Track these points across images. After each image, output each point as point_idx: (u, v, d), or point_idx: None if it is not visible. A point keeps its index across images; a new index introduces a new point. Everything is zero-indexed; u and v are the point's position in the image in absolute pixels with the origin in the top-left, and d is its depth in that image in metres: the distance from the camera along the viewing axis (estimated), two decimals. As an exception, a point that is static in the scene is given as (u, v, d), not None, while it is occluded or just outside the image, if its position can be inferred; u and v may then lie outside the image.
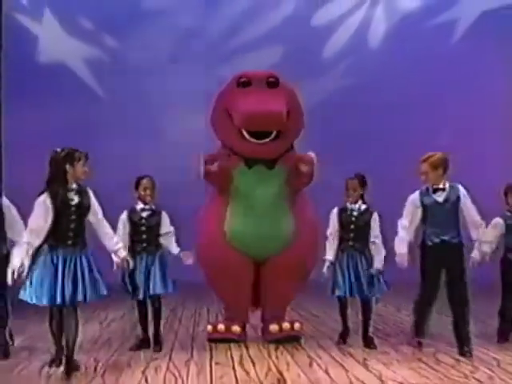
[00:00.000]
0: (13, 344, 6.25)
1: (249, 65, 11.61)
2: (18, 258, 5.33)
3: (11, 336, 6.26)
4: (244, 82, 6.54)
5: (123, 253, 5.79)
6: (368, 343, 6.37)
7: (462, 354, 5.95)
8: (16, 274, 5.27)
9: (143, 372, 5.24)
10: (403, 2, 13.21)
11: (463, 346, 6.02)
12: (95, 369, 5.37)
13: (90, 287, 5.38)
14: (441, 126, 12.03)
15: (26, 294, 5.33)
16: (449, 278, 6.18)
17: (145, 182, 6.35)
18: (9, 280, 5.30)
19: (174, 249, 6.34)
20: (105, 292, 5.48)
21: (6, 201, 6.09)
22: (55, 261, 5.39)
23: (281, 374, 5.16)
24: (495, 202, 6.72)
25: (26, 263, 5.29)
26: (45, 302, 5.33)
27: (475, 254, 6.39)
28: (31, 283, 5.33)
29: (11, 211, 6.06)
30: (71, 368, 5.37)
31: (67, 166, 5.45)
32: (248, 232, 6.43)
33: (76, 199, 5.49)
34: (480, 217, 6.24)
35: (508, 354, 5.85)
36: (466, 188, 6.26)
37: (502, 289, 6.59)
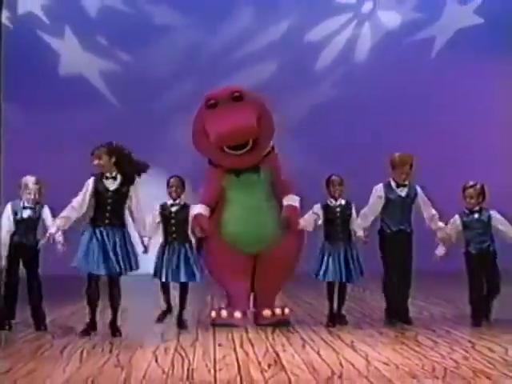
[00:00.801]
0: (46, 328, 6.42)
1: (250, 76, 11.71)
2: (55, 227, 6.04)
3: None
4: (211, 104, 6.49)
5: (143, 247, 6.35)
6: (340, 320, 6.56)
7: (401, 320, 6.48)
8: (51, 239, 6.04)
9: (154, 352, 5.23)
10: (386, 21, 13.22)
11: (404, 313, 6.55)
12: (111, 350, 5.36)
13: (124, 261, 6.02)
14: (418, 130, 12.04)
15: (78, 264, 5.99)
16: (401, 262, 6.54)
17: (172, 180, 6.64)
18: (43, 240, 6.16)
19: None
20: (136, 267, 6.11)
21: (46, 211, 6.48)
22: (98, 236, 6.01)
23: (277, 354, 5.16)
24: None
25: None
26: (93, 271, 5.98)
27: (439, 251, 6.69)
28: (81, 255, 5.98)
29: (48, 218, 6.41)
30: (115, 329, 6.07)
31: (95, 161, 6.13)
32: (241, 232, 6.48)
33: (113, 187, 6.09)
34: (433, 209, 6.64)
35: (482, 337, 5.85)
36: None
37: (468, 278, 6.65)
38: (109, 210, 6.05)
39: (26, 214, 6.45)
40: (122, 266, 6.02)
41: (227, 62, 12.84)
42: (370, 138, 11.80)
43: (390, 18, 13.19)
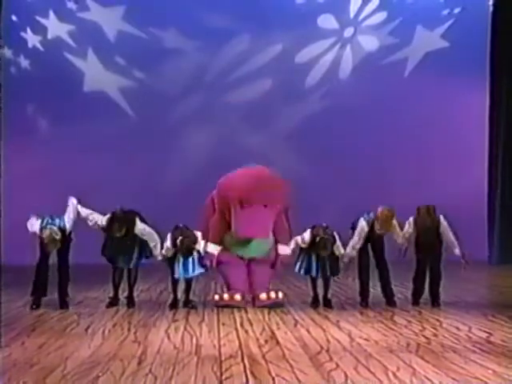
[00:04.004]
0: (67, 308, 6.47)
1: (248, 92, 11.75)
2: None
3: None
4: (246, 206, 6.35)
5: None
6: (327, 304, 6.54)
7: (389, 304, 6.53)
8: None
9: (166, 331, 5.24)
10: (365, 44, 13.19)
11: (390, 298, 6.60)
12: (129, 328, 5.36)
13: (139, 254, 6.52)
14: (392, 135, 12.06)
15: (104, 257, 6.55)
16: (378, 253, 6.66)
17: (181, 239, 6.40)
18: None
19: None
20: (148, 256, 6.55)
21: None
22: (115, 238, 6.39)
23: (272, 332, 5.16)
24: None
25: None
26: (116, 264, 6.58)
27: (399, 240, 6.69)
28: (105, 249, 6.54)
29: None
30: (132, 302, 6.57)
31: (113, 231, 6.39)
32: (239, 247, 6.59)
33: (119, 234, 6.36)
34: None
35: (448, 317, 5.87)
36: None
37: (416, 262, 6.75)
38: (121, 240, 6.43)
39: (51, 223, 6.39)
40: (130, 262, 6.55)
41: (229, 79, 12.82)
42: (353, 143, 11.85)
43: (369, 42, 13.17)
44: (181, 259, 6.40)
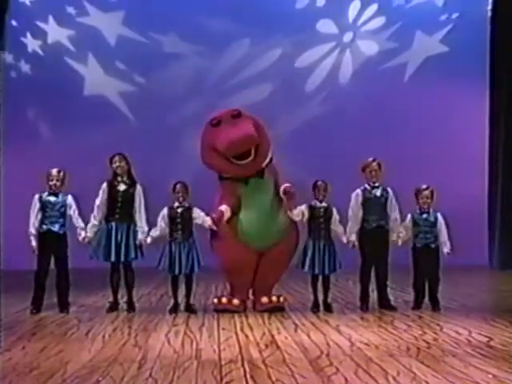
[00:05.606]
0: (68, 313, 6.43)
1: (246, 98, 11.71)
2: (92, 233, 6.45)
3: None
4: (215, 123, 6.40)
5: (139, 236, 6.48)
6: (327, 308, 6.53)
7: (384, 307, 6.52)
8: (83, 235, 6.43)
9: (166, 335, 5.24)
10: (365, 49, 13.20)
11: (385, 301, 6.56)
12: (129, 333, 5.36)
13: (129, 250, 6.38)
14: (392, 139, 12.05)
15: (93, 254, 6.40)
16: (377, 255, 6.58)
17: (178, 186, 6.56)
18: (79, 237, 6.45)
19: (205, 220, 6.48)
20: (138, 256, 6.43)
21: (70, 198, 6.60)
22: (110, 229, 6.38)
23: (273, 337, 5.17)
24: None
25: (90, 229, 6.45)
26: (101, 259, 6.41)
27: (392, 236, 6.67)
28: (96, 246, 6.39)
29: (73, 207, 6.55)
30: (132, 307, 6.50)
31: (113, 166, 6.53)
32: (251, 229, 6.46)
33: (122, 188, 6.48)
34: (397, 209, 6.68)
35: (448, 321, 5.87)
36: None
37: (413, 268, 6.70)
38: (118, 207, 6.42)
39: (50, 199, 6.44)
40: (125, 255, 6.36)
41: (228, 84, 12.82)
42: (353, 147, 11.84)
43: (368, 47, 13.16)
44: (177, 253, 6.39)
